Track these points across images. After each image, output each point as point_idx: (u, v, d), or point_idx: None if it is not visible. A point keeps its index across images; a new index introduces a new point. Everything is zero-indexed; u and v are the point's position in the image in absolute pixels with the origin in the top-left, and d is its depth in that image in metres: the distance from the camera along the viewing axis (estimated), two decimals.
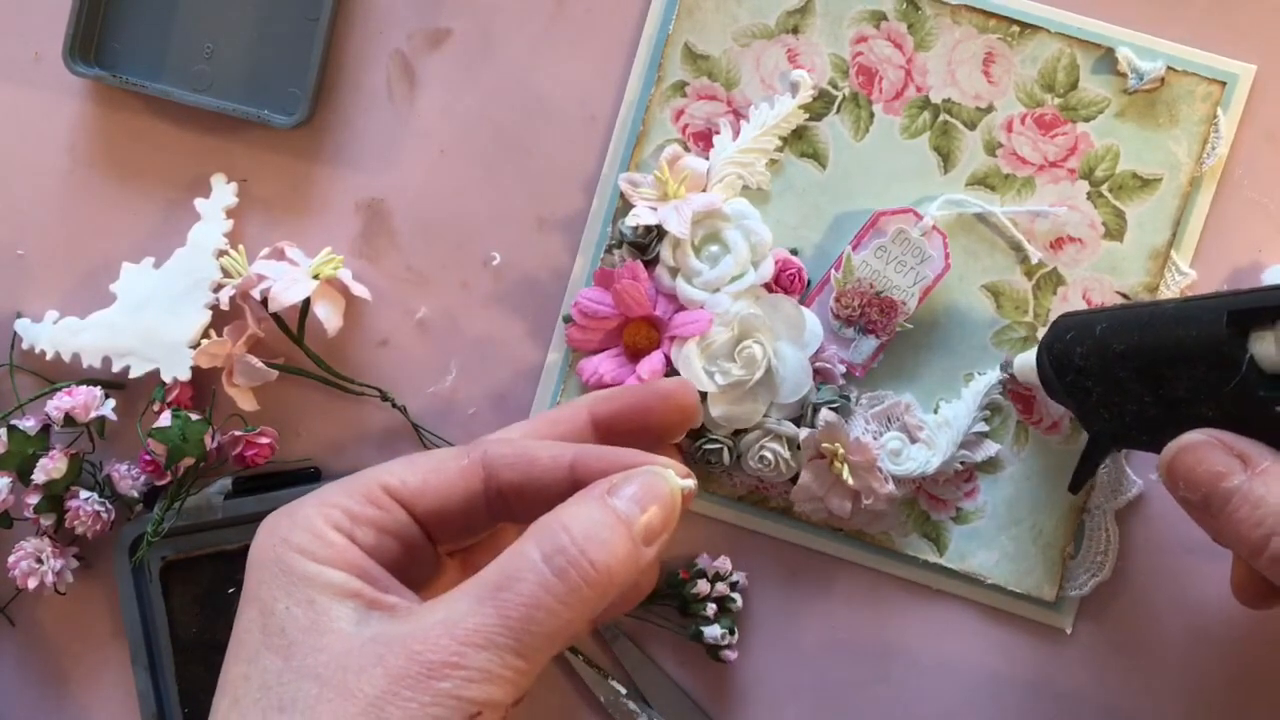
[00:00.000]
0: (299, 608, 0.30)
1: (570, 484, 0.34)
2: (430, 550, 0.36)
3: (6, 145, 0.57)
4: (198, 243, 0.55)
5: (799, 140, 0.54)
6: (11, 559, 0.55)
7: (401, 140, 0.56)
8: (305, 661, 0.29)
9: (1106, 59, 0.53)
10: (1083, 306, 0.53)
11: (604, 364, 0.53)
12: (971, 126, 0.53)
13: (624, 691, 0.55)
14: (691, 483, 0.35)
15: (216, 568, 0.55)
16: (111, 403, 0.55)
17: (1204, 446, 0.40)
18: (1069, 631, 0.55)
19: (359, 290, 0.55)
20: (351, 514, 0.33)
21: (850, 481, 0.51)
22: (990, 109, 0.53)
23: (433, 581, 0.37)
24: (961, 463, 0.53)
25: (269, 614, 0.31)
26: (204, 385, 0.56)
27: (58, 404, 0.54)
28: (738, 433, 0.53)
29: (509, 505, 0.36)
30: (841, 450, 0.51)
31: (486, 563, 0.32)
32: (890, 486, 0.52)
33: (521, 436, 0.38)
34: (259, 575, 0.32)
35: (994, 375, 0.53)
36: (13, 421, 0.55)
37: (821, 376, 0.53)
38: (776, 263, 0.53)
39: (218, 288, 0.54)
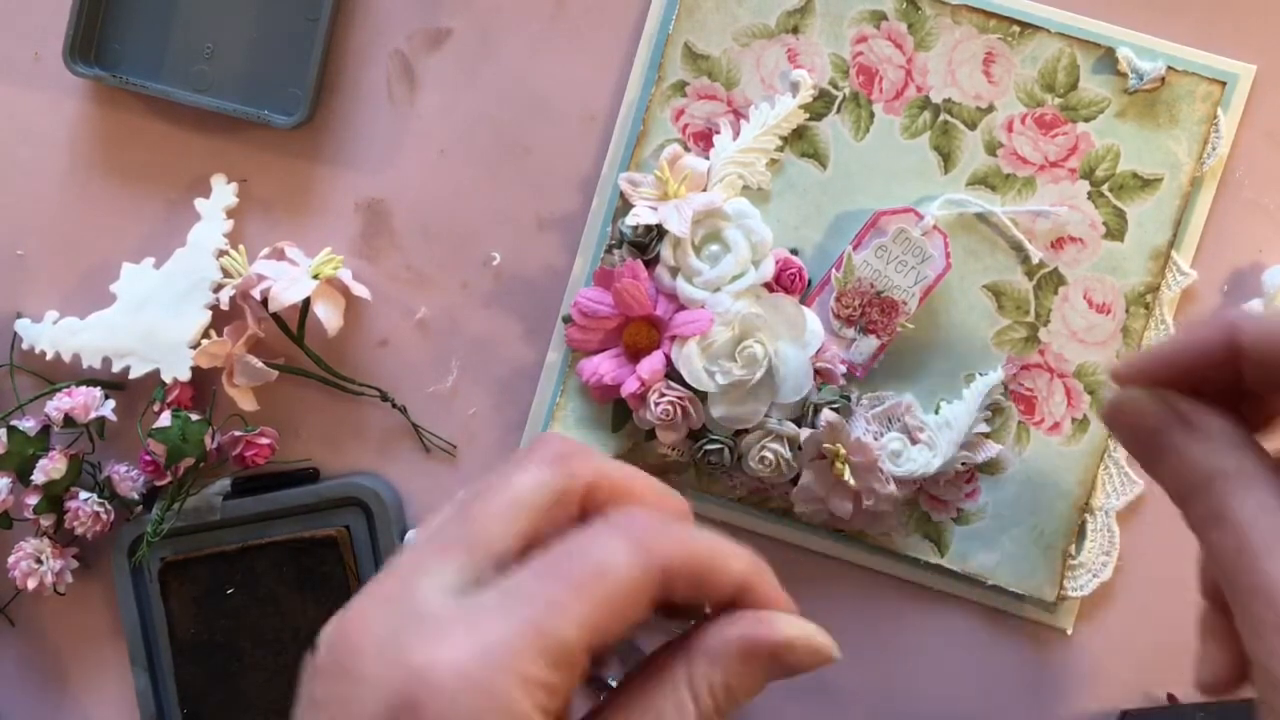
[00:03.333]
0: None
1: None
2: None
3: (6, 145, 0.57)
4: (198, 243, 0.55)
5: (799, 140, 0.54)
6: (11, 559, 0.55)
7: (401, 140, 0.56)
8: None
9: (1107, 59, 0.53)
10: (1084, 306, 0.53)
11: (604, 364, 0.53)
12: (972, 126, 0.53)
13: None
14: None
15: (215, 568, 0.55)
16: (111, 403, 0.55)
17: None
18: (1069, 632, 0.55)
19: (359, 290, 0.54)
20: (551, 689, 0.29)
21: (851, 482, 0.51)
22: (991, 109, 0.53)
23: None
24: (962, 463, 0.53)
25: None
26: (204, 385, 0.56)
27: (57, 404, 0.54)
28: (738, 433, 0.53)
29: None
30: (842, 451, 0.51)
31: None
32: (891, 487, 0.52)
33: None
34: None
35: (995, 375, 0.53)
36: (13, 422, 0.55)
37: (822, 377, 0.53)
38: (777, 262, 0.52)
39: (218, 288, 0.54)
